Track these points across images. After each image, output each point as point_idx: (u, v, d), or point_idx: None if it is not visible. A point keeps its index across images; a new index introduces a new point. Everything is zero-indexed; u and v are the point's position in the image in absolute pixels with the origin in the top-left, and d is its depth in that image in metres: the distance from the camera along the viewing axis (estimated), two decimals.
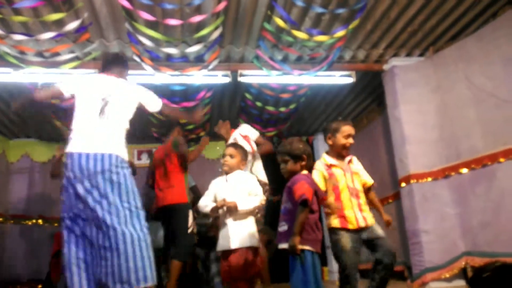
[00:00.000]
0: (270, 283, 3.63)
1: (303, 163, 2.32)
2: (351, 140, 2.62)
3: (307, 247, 2.11)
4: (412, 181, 4.26)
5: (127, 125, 2.74)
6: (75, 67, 4.07)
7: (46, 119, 5.36)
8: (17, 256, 5.73)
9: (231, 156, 2.68)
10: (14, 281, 5.55)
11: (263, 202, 2.64)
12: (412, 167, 4.30)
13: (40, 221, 5.91)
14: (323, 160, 2.64)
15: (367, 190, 2.67)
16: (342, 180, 2.56)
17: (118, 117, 2.67)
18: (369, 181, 2.68)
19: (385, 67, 4.66)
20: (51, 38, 3.65)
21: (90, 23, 3.67)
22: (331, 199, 2.53)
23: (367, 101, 5.76)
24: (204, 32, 3.74)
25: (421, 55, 4.60)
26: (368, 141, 5.90)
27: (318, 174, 2.57)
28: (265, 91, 4.87)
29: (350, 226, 2.46)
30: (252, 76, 4.54)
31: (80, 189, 2.45)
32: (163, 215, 3.89)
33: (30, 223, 5.92)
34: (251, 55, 4.37)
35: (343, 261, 2.40)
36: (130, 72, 4.22)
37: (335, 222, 2.48)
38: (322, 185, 2.51)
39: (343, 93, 5.44)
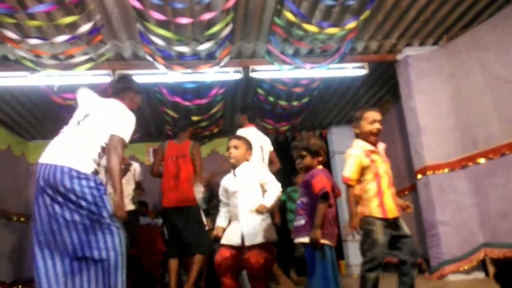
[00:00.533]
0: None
1: (320, 158, 2.32)
2: (377, 126, 2.52)
3: (326, 241, 2.12)
4: (428, 173, 4.22)
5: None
6: (89, 69, 4.13)
7: (62, 121, 5.46)
8: None
9: (236, 147, 2.63)
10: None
11: (280, 189, 2.56)
12: (428, 158, 4.26)
13: None
14: (363, 147, 2.48)
15: None
16: (381, 167, 2.46)
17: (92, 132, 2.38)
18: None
19: (399, 57, 4.61)
20: (65, 41, 3.72)
21: (103, 25, 3.72)
22: (372, 186, 2.41)
23: (381, 92, 5.70)
24: (214, 29, 3.75)
25: (434, 44, 4.53)
26: (383, 132, 5.81)
27: (355, 161, 2.41)
28: (277, 85, 4.87)
29: (390, 215, 2.36)
30: (264, 71, 4.54)
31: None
32: (171, 215, 3.75)
33: None
34: (262, 50, 4.37)
35: (374, 254, 2.33)
36: (143, 71, 4.33)
37: (376, 211, 2.36)
38: (356, 173, 2.40)
39: (356, 85, 5.40)
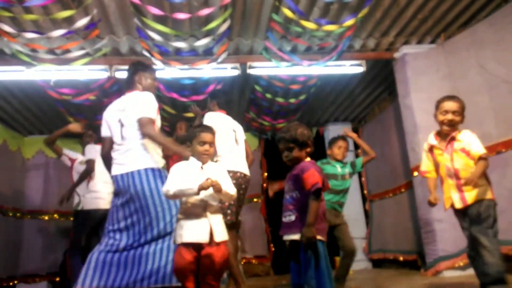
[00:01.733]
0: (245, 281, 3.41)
1: (308, 149, 2.22)
2: (448, 116, 2.60)
3: (319, 237, 2.05)
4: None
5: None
6: (86, 64, 4.11)
7: (59, 116, 5.44)
8: (34, 250, 5.87)
9: (211, 144, 2.41)
10: (33, 275, 5.70)
11: (234, 198, 2.48)
12: None
13: (56, 215, 6.03)
14: (428, 140, 2.76)
15: (478, 161, 2.53)
16: (441, 161, 2.65)
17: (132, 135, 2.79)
18: (476, 152, 2.54)
19: (396, 55, 4.61)
20: (62, 35, 3.70)
21: (99, 20, 3.70)
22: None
23: (378, 90, 5.71)
24: (212, 25, 3.74)
25: (432, 42, 4.54)
26: (379, 130, 5.87)
27: (424, 154, 2.78)
28: (274, 82, 4.86)
29: (455, 206, 2.60)
30: (261, 68, 4.54)
31: None
32: None
33: (46, 217, 6.04)
34: (260, 47, 4.36)
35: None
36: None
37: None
38: (427, 165, 2.77)
39: (353, 82, 5.41)
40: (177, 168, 2.38)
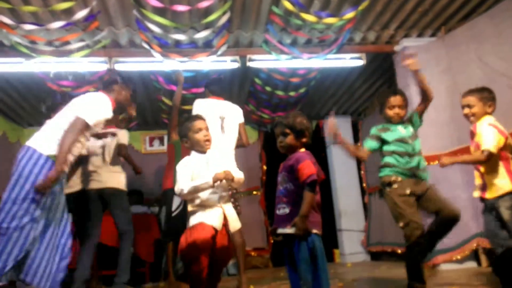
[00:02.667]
0: None
1: (304, 139, 2.17)
2: (465, 111, 2.74)
3: (314, 231, 2.01)
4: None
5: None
6: (85, 56, 4.10)
7: (58, 107, 5.43)
8: None
9: (207, 129, 2.44)
10: None
11: (242, 182, 2.47)
12: (424, 150, 4.27)
13: None
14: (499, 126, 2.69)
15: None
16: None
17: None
18: (481, 145, 2.57)
19: (396, 48, 4.60)
20: (61, 27, 3.68)
21: (99, 12, 3.68)
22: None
23: (378, 83, 5.71)
24: (212, 17, 3.73)
25: (432, 35, 4.52)
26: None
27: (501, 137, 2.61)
28: (274, 75, 4.86)
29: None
30: (261, 61, 4.53)
31: None
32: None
33: None
34: (260, 39, 4.35)
35: None
36: (139, 59, 4.30)
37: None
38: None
39: (353, 75, 5.40)
40: (183, 166, 2.39)
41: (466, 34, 4.13)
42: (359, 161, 6.33)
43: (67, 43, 4.05)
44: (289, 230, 2.02)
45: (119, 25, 3.96)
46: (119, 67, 4.28)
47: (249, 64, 4.49)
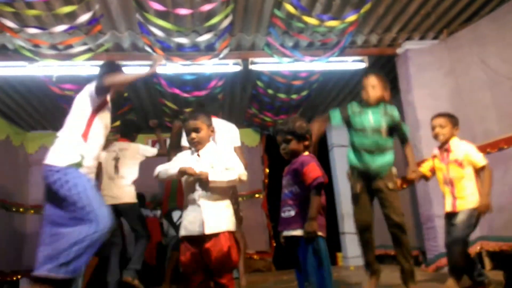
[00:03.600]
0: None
1: (307, 143, 2.17)
2: (436, 130, 2.89)
3: (320, 233, 2.01)
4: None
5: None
6: (88, 59, 4.12)
7: (61, 111, 5.45)
8: (38, 245, 5.89)
9: (196, 130, 2.29)
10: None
11: (244, 178, 2.26)
12: (426, 152, 4.25)
13: None
14: (433, 152, 3.00)
15: (479, 171, 2.79)
16: (439, 169, 2.91)
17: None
18: (476, 163, 2.77)
19: (398, 51, 4.60)
20: (64, 31, 3.71)
21: (102, 15, 3.70)
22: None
23: None
24: (214, 20, 3.74)
25: (435, 38, 4.52)
26: None
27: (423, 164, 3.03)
28: (276, 78, 4.86)
29: (445, 210, 2.84)
30: (263, 64, 4.53)
31: None
32: None
33: None
34: (262, 42, 4.35)
35: None
36: (142, 63, 4.31)
37: None
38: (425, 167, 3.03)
39: (355, 78, 5.39)
40: (177, 157, 2.40)
41: (468, 37, 4.13)
42: None
43: (70, 46, 4.06)
44: (295, 232, 2.03)
45: (122, 28, 3.97)
46: None
47: (251, 67, 4.50)
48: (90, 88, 2.55)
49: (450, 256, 2.73)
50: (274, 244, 6.27)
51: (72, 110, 2.60)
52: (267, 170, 6.57)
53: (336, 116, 3.05)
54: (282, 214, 2.13)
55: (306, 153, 2.18)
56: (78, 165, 2.46)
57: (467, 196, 2.75)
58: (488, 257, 3.97)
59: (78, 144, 2.51)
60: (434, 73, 4.38)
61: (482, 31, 3.99)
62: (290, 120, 2.20)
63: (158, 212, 5.32)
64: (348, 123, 3.02)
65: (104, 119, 2.61)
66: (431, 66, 4.40)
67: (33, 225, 5.98)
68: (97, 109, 2.56)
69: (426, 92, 4.36)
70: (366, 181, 2.96)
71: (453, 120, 2.95)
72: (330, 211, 6.41)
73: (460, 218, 2.72)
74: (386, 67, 5.09)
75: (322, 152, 6.72)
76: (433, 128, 2.94)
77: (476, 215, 2.72)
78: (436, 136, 2.93)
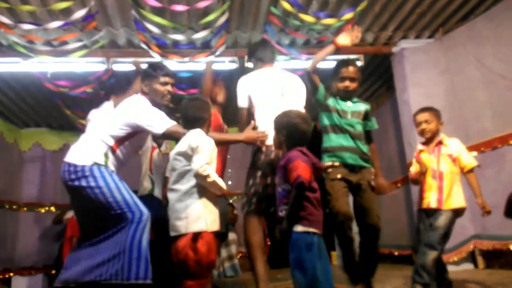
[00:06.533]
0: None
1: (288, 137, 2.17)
2: (423, 126, 2.84)
3: (311, 229, 1.94)
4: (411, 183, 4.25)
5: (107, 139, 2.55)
6: (83, 56, 4.09)
7: (56, 108, 5.42)
8: (31, 242, 5.87)
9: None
10: (29, 267, 5.69)
11: (202, 168, 2.10)
12: None
13: (52, 208, 6.02)
14: (417, 149, 2.92)
15: (467, 172, 2.78)
16: (428, 163, 2.79)
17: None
18: (469, 164, 2.77)
19: (394, 49, 4.61)
20: (59, 27, 3.68)
21: (97, 11, 3.67)
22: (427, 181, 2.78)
23: (376, 85, 5.71)
24: (210, 17, 3.73)
25: (430, 36, 4.53)
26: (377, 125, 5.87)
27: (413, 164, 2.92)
28: None
29: (422, 206, 2.75)
30: None
31: None
32: None
33: (43, 210, 6.04)
34: (258, 40, 4.34)
35: None
36: (138, 60, 4.27)
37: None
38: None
39: None
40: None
41: (464, 36, 4.14)
42: None
43: (65, 43, 4.03)
44: (295, 229, 1.98)
45: (117, 25, 3.95)
46: (117, 67, 4.26)
47: (248, 64, 4.47)
48: (140, 118, 2.50)
49: (422, 257, 2.59)
50: (269, 243, 6.26)
51: (113, 119, 2.58)
52: None
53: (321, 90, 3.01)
54: (280, 213, 2.08)
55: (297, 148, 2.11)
56: (104, 165, 2.47)
57: (453, 194, 2.70)
58: (481, 256, 4.00)
59: (105, 149, 2.51)
60: (430, 72, 4.40)
61: (478, 29, 4.01)
62: (283, 114, 2.24)
63: None
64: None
65: (138, 141, 2.68)
66: (426, 64, 4.42)
67: (26, 222, 5.93)
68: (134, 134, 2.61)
69: (421, 91, 4.37)
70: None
71: (438, 114, 2.90)
72: (324, 210, 6.42)
73: (442, 221, 2.63)
74: (381, 65, 5.11)
75: (316, 147, 6.71)
76: (418, 124, 2.87)
77: (454, 221, 2.68)
78: (422, 132, 2.87)
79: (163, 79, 2.74)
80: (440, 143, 2.82)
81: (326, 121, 2.93)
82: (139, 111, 2.52)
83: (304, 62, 4.40)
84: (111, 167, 2.53)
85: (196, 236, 2.07)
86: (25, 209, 5.99)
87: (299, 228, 1.96)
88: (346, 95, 2.96)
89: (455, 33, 4.25)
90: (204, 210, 2.12)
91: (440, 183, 2.72)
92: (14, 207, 5.84)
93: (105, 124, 2.59)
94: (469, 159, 2.79)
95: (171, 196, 2.19)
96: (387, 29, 4.35)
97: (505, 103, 3.75)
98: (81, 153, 2.48)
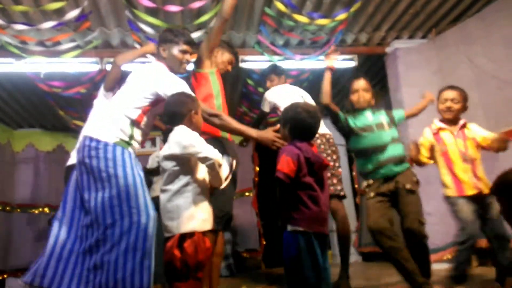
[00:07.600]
0: None
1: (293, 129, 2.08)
2: (448, 104, 2.68)
3: (300, 228, 1.86)
4: (414, 164, 4.27)
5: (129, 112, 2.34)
6: (76, 56, 4.07)
7: (49, 109, 5.39)
8: (24, 244, 5.82)
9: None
10: (23, 269, 5.65)
11: (213, 157, 2.06)
12: None
13: (46, 209, 5.98)
14: (432, 125, 2.74)
15: (490, 144, 2.67)
16: (451, 143, 2.65)
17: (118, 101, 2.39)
18: (490, 134, 2.69)
19: (388, 50, 4.63)
20: (52, 27, 3.66)
21: (90, 12, 3.66)
22: (440, 165, 2.68)
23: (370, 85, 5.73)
24: (204, 18, 3.73)
25: (423, 37, 4.57)
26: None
27: (423, 143, 2.74)
28: None
29: (466, 192, 2.57)
30: (254, 62, 4.52)
31: None
32: None
33: (36, 211, 5.99)
34: (252, 40, 4.35)
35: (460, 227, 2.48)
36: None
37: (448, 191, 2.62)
38: (424, 154, 2.72)
39: (345, 77, 5.41)
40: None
41: (456, 36, 4.18)
42: (351, 162, 6.35)
43: (58, 43, 4.01)
44: (297, 227, 1.92)
45: (111, 25, 3.94)
46: (110, 68, 4.24)
47: (242, 65, 4.49)
48: (161, 87, 2.33)
49: (504, 253, 2.50)
50: (264, 243, 6.27)
51: (131, 89, 2.37)
52: (257, 168, 6.57)
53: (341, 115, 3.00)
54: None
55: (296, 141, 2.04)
56: (127, 144, 2.29)
57: (485, 180, 2.56)
58: (475, 254, 4.03)
59: (129, 125, 2.31)
60: (423, 72, 4.43)
61: (470, 30, 4.04)
62: (289, 108, 2.14)
63: None
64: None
65: (160, 108, 2.42)
66: (419, 65, 4.45)
67: (19, 224, 5.89)
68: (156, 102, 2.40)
69: (414, 91, 4.38)
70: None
71: (466, 96, 2.73)
72: None
73: (497, 211, 2.43)
74: (375, 65, 5.13)
75: None
76: (444, 101, 2.70)
77: None
78: (446, 110, 2.69)
79: (184, 46, 2.58)
80: (463, 126, 2.71)
81: (355, 145, 2.89)
82: (160, 79, 2.35)
83: (298, 62, 4.42)
84: (135, 144, 2.34)
85: (184, 236, 2.02)
86: (18, 210, 5.94)
87: (288, 227, 1.91)
88: (361, 106, 2.98)
89: (447, 33, 4.29)
90: (196, 210, 2.07)
91: (473, 167, 2.60)
92: (7, 208, 5.80)
93: (126, 96, 2.36)
94: (486, 133, 2.71)
95: (162, 196, 2.13)
96: (381, 29, 4.38)
97: (497, 103, 3.78)
98: (105, 128, 2.27)
